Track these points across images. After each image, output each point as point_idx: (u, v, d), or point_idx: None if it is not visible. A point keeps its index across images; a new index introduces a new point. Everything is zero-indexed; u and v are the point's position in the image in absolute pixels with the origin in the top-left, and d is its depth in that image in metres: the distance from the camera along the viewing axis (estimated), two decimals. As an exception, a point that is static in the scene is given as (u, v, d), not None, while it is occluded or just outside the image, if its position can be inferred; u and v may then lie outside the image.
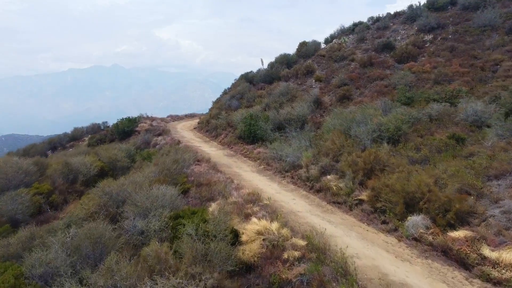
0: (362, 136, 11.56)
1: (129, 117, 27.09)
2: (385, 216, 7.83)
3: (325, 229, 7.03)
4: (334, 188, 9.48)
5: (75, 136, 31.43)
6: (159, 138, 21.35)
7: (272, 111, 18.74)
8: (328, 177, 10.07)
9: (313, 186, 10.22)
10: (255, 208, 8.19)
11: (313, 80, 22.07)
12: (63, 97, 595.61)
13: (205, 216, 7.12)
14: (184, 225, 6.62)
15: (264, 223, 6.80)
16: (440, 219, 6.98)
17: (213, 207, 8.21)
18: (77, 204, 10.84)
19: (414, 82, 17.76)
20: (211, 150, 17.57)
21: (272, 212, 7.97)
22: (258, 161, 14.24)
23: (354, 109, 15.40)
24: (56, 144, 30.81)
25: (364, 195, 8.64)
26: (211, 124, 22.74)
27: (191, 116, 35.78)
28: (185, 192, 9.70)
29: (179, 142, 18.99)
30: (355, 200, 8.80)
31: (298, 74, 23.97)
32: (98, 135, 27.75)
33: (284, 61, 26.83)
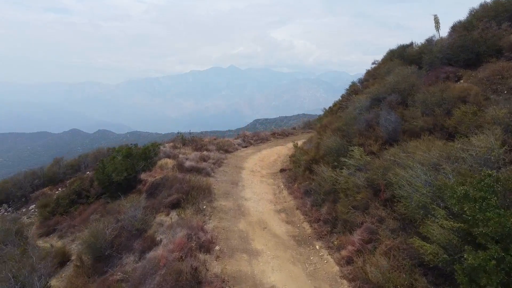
0: None
1: (131, 145, 12.26)
2: None
3: None
4: None
5: (76, 166, 17.78)
6: (167, 218, 8.08)
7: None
8: None
9: None
10: None
11: None
12: (184, 96, 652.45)
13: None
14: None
15: None
16: None
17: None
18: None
19: None
20: None
21: None
22: None
23: None
24: (59, 177, 16.73)
25: None
26: (317, 179, 8.27)
27: (282, 134, 19.86)
28: None
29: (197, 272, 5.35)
30: None
31: None
32: (79, 179, 13.80)
33: (501, 12, 11.06)
